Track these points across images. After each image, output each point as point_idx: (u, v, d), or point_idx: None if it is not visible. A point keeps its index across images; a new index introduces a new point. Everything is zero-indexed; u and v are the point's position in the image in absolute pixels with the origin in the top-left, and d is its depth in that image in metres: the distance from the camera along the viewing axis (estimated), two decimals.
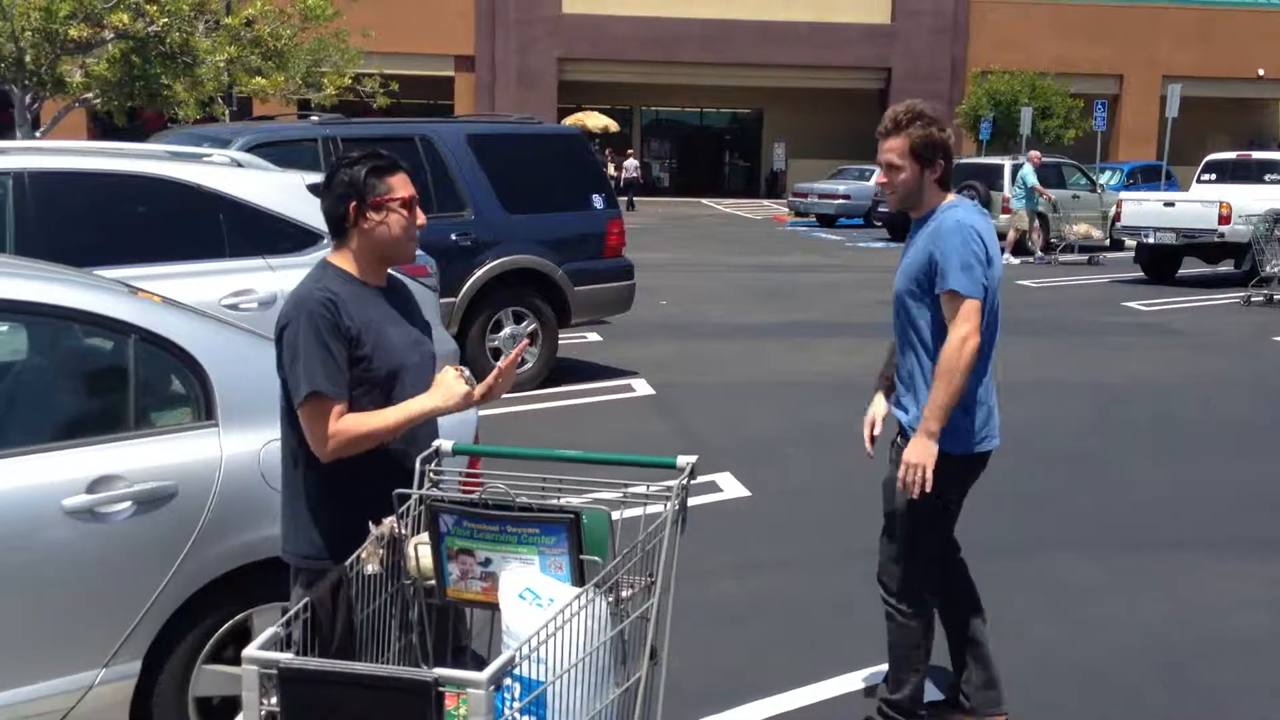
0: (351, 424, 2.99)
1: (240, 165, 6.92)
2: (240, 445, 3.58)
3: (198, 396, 3.62)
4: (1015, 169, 23.37)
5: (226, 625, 3.60)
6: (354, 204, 3.08)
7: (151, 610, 3.41)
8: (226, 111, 21.87)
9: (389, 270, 3.24)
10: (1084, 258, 22.11)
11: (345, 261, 3.14)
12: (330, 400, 2.98)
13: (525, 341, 3.50)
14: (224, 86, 19.75)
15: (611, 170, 37.50)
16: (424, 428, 3.16)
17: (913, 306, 3.81)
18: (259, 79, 19.71)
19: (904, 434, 3.89)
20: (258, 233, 6.55)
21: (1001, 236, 23.77)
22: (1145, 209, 19.03)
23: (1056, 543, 6.23)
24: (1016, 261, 21.30)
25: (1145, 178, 30.68)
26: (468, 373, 3.09)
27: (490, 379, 3.15)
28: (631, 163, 40.15)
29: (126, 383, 3.57)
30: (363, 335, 3.04)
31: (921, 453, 3.67)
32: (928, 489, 3.66)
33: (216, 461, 3.54)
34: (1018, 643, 4.86)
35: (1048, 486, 7.26)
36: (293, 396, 3.02)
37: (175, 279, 5.88)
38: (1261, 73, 45.01)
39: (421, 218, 3.17)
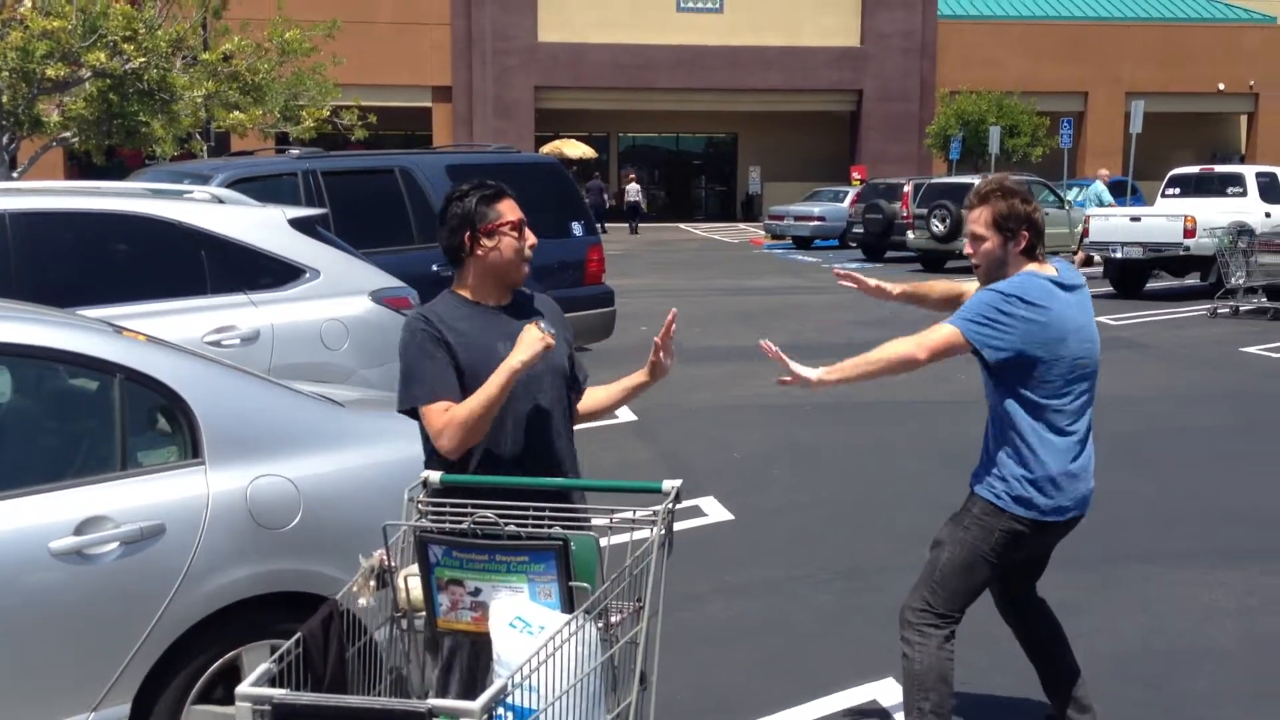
0: (453, 413, 3.18)
1: (221, 201, 6.94)
2: (228, 482, 3.60)
3: (184, 434, 3.64)
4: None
5: (216, 665, 3.59)
6: (468, 233, 3.29)
7: (140, 651, 3.41)
8: (204, 147, 21.89)
9: (521, 289, 3.44)
10: None
11: (462, 288, 3.38)
12: (430, 404, 3.21)
13: (674, 311, 3.59)
14: (201, 122, 19.77)
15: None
16: (536, 430, 3.31)
17: (982, 374, 3.87)
18: (236, 114, 19.73)
19: (971, 492, 3.93)
20: (240, 269, 6.57)
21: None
22: (1112, 224, 19.25)
23: None
24: None
25: (1111, 193, 30.97)
26: (544, 324, 3.21)
27: (652, 356, 3.46)
28: (633, 186, 40.85)
29: (113, 423, 3.58)
30: (465, 351, 3.24)
31: (804, 373, 3.72)
32: (784, 380, 3.73)
33: (204, 499, 3.55)
34: (999, 660, 4.91)
35: None
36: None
37: (157, 317, 5.89)
38: (1222, 87, 45.53)
39: (532, 238, 3.38)
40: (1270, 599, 5.76)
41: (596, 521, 2.91)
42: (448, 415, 3.19)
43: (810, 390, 3.81)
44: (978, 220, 3.87)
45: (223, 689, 3.58)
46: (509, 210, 3.33)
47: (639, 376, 3.57)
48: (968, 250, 3.95)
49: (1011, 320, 3.68)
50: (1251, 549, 6.50)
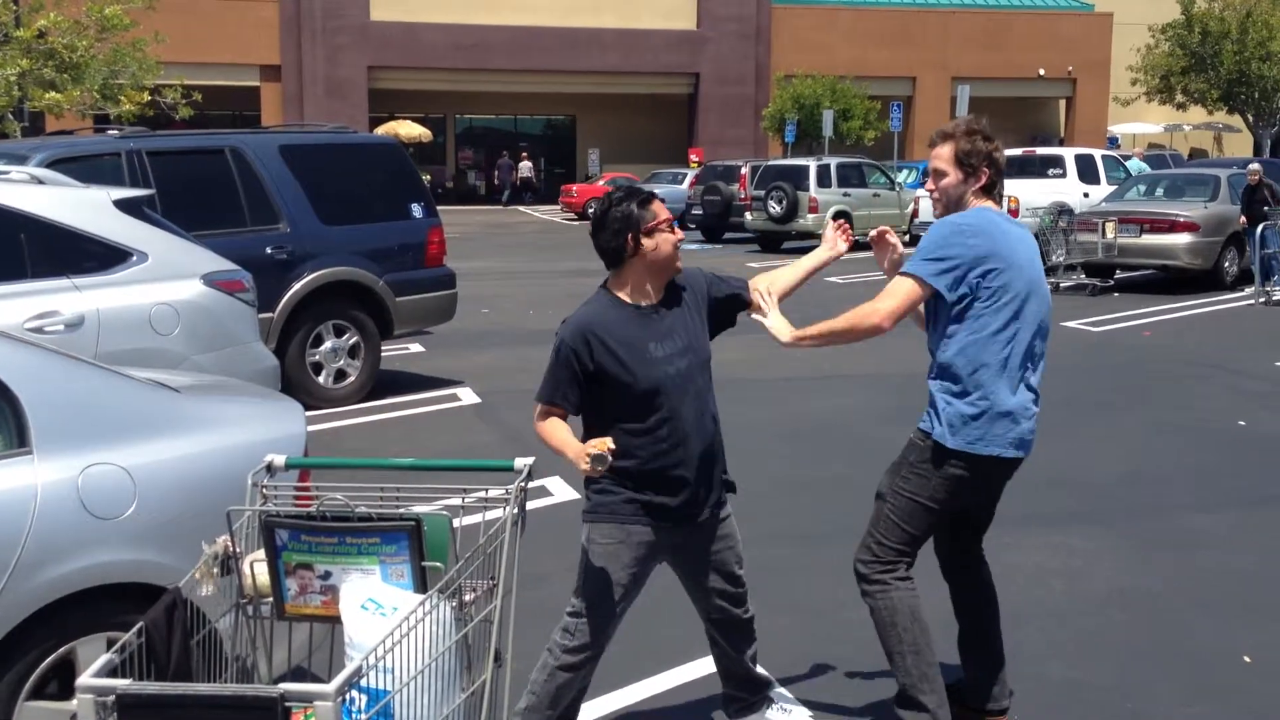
0: (542, 427, 3.67)
1: (40, 181, 6.64)
2: (58, 472, 3.46)
3: (9, 423, 3.48)
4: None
5: (49, 659, 3.46)
6: (631, 235, 3.56)
7: None
8: (18, 127, 20.85)
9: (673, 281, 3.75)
10: None
11: (620, 288, 3.69)
12: (545, 405, 3.66)
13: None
14: (15, 101, 18.83)
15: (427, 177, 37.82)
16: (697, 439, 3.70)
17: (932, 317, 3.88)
18: (53, 93, 18.84)
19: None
20: (62, 252, 6.30)
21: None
22: None
23: (859, 528, 6.47)
24: None
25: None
26: (595, 457, 3.33)
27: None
28: (526, 164, 42.73)
29: None
30: (618, 353, 3.57)
31: (775, 321, 3.81)
32: (762, 320, 3.82)
33: (33, 490, 3.40)
34: (840, 625, 5.06)
35: (853, 474, 7.54)
36: None
37: None
38: (1042, 72, 47.44)
39: (680, 234, 3.70)
40: (1092, 560, 6.05)
41: (449, 501, 2.89)
42: (540, 424, 3.67)
43: (780, 346, 3.86)
44: (940, 156, 3.88)
45: (57, 684, 3.45)
46: (661, 210, 3.64)
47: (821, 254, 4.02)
48: (928, 186, 3.95)
49: (953, 250, 3.72)
50: (1073, 514, 6.81)
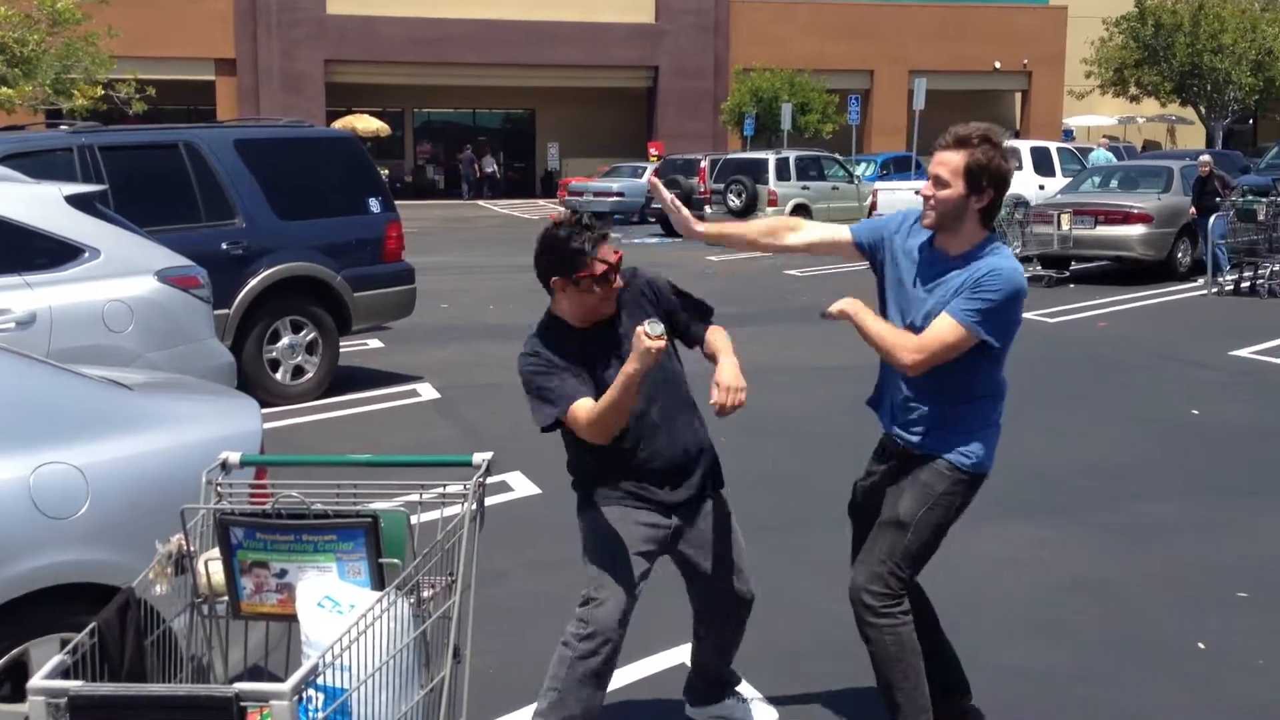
0: (591, 412, 3.40)
1: None
2: (8, 471, 3.41)
3: None
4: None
5: (1, 662, 3.42)
6: (555, 280, 3.49)
7: None
8: None
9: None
10: None
11: (558, 310, 3.60)
12: (569, 413, 3.44)
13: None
14: None
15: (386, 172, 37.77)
16: (669, 407, 3.67)
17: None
18: (4, 88, 18.59)
19: (903, 452, 3.78)
20: (12, 249, 6.22)
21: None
22: (898, 198, 20.07)
23: (824, 519, 6.49)
24: None
25: (896, 168, 32.28)
26: (648, 325, 3.19)
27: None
28: (490, 159, 43.17)
29: None
30: (574, 376, 3.48)
31: (849, 304, 3.61)
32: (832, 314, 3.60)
33: None
34: (805, 615, 5.08)
35: (813, 466, 7.58)
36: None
37: None
38: (998, 65, 47.76)
39: (617, 284, 3.53)
40: (1054, 550, 6.11)
41: (408, 497, 2.87)
42: (586, 418, 3.41)
43: (842, 314, 3.62)
44: (946, 164, 3.53)
45: (9, 686, 3.41)
46: (594, 264, 3.42)
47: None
48: (925, 191, 3.59)
49: (1014, 313, 3.60)
50: (1034, 504, 6.86)
